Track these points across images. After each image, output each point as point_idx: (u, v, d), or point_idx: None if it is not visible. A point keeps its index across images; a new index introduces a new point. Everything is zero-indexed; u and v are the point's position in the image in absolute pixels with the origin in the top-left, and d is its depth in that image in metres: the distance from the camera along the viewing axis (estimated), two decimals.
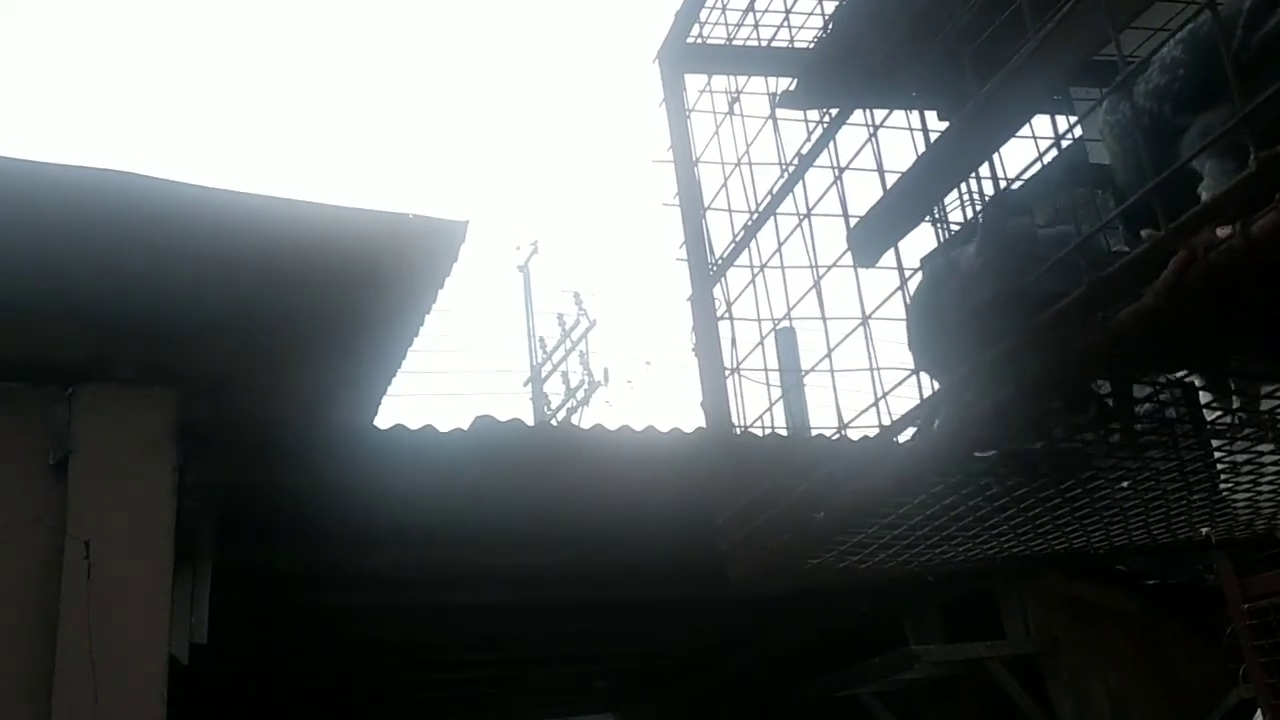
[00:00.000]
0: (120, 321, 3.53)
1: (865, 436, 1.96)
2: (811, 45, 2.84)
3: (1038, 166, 2.39)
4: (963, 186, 2.66)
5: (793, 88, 2.67)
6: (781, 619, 7.04)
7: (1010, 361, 1.46)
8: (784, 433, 2.63)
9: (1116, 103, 1.86)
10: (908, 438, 1.82)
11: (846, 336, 2.01)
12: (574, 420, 20.65)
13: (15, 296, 3.41)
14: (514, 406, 24.28)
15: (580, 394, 21.30)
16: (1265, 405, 1.81)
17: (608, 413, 21.31)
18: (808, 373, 2.08)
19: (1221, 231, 1.21)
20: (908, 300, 1.95)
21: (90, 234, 3.23)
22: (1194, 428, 1.99)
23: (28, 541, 3.37)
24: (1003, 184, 2.02)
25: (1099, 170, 2.25)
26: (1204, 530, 2.59)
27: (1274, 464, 2.09)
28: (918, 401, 1.79)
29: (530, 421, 9.36)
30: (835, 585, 5.96)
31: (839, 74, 2.49)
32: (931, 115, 2.78)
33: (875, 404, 1.89)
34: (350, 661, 7.16)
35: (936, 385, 1.82)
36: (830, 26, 2.74)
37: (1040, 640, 5.76)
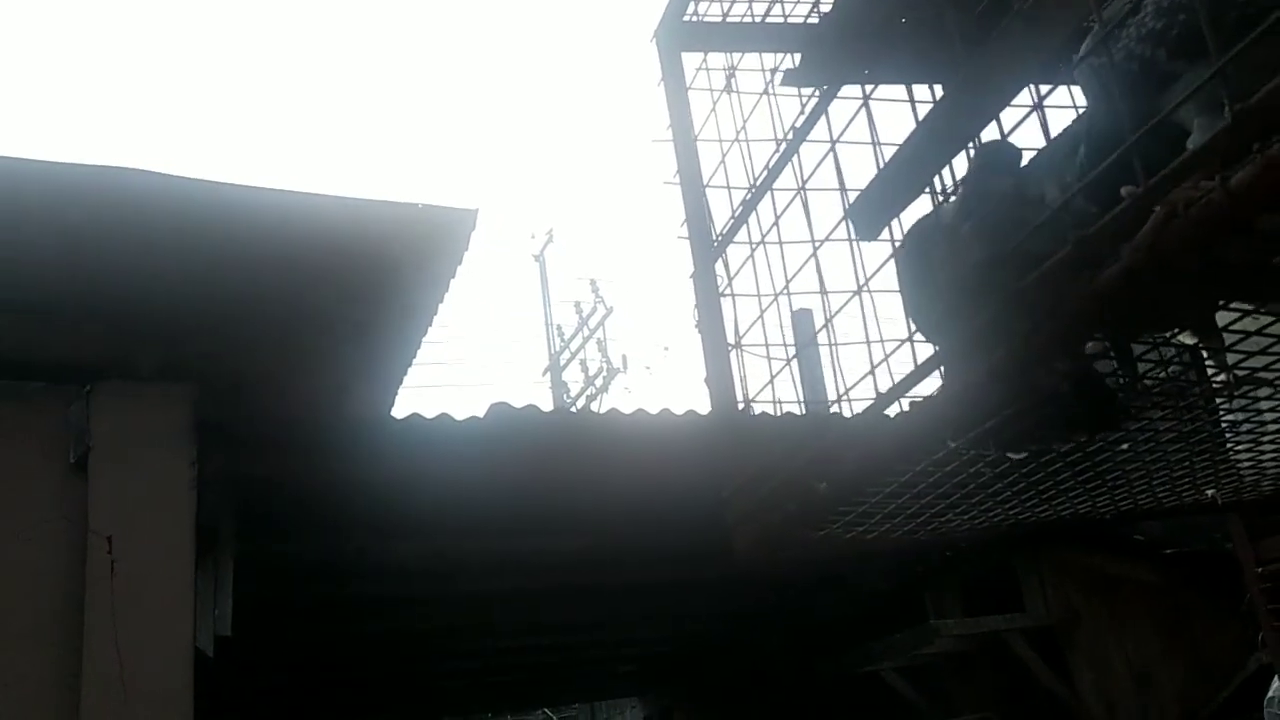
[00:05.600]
0: (137, 320, 3.56)
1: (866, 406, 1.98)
2: (809, 21, 2.85)
3: (1034, 129, 2.38)
4: (962, 157, 2.66)
5: (796, 64, 2.68)
6: (804, 598, 7.06)
7: (1000, 325, 1.47)
8: (795, 407, 2.64)
9: (1102, 47, 1.79)
10: (907, 405, 1.83)
11: (842, 307, 2.03)
12: (593, 408, 20.69)
13: (36, 297, 3.44)
14: (533, 395, 24.33)
15: (599, 381, 21.34)
16: (1256, 362, 1.81)
17: (627, 399, 21.37)
18: (804, 346, 2.10)
19: (1202, 185, 1.21)
20: (897, 262, 1.97)
21: (108, 233, 3.26)
22: (1189, 387, 1.99)
23: (51, 539, 3.41)
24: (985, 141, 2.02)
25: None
26: (1209, 492, 2.58)
27: (1275, 422, 2.09)
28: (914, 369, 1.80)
29: (549, 409, 9.41)
30: (848, 558, 5.98)
31: (840, 50, 2.50)
32: (932, 89, 2.79)
33: (870, 373, 1.90)
34: (374, 651, 7.22)
35: (934, 348, 1.83)
36: (830, 2, 2.74)
37: (1059, 612, 5.76)
